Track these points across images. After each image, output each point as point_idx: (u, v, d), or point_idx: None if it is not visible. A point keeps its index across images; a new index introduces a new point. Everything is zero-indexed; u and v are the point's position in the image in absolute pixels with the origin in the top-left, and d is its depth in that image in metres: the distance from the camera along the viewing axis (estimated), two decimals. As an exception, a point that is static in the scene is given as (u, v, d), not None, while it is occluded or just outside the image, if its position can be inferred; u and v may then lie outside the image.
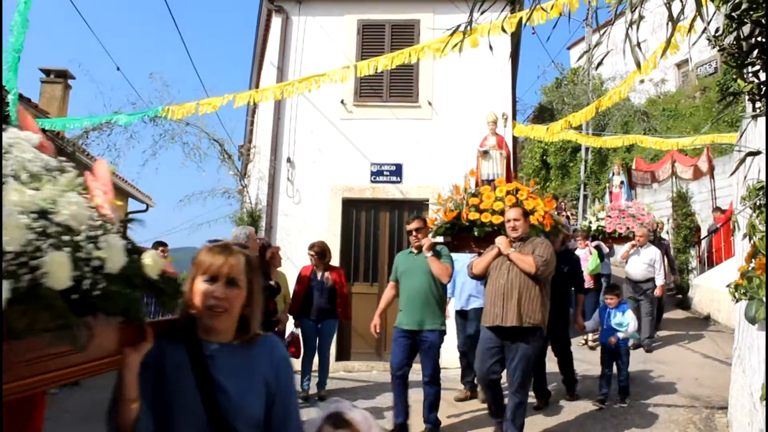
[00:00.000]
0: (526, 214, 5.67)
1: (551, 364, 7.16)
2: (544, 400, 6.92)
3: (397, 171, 10.26)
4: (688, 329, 11.05)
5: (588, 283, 9.43)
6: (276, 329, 7.33)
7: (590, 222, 11.25)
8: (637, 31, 2.51)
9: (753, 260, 2.39)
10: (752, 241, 2.36)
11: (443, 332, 5.87)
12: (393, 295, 6.17)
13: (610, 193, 12.21)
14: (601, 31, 2.63)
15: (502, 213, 6.16)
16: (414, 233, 5.99)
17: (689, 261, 13.88)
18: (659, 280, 9.63)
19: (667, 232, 14.34)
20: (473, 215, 6.40)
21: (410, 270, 5.96)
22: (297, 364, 8.14)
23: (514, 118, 10.89)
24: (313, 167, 10.47)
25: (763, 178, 2.51)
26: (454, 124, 10.28)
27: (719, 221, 13.89)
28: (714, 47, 2.35)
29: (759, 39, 2.11)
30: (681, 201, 14.13)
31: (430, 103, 10.46)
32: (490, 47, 3.32)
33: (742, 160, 2.34)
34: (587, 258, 9.86)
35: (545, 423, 6.36)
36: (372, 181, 10.25)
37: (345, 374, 9.09)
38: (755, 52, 2.16)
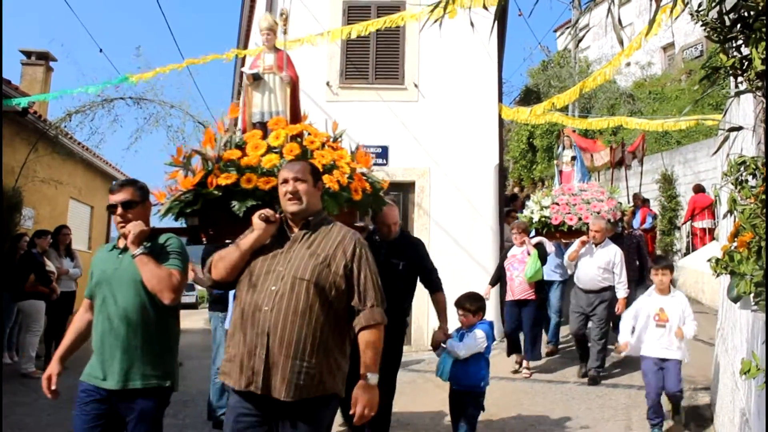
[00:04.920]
0: (317, 173, 3.18)
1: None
2: None
3: (383, 153, 10.21)
4: (673, 310, 11.11)
5: (524, 293, 7.45)
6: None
7: (532, 212, 8.63)
8: (619, 9, 2.49)
9: (735, 239, 2.38)
10: (734, 217, 2.35)
11: (167, 391, 3.29)
12: (87, 322, 3.40)
13: (560, 172, 9.62)
14: (585, 9, 2.61)
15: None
16: (118, 211, 3.32)
17: (674, 243, 13.98)
18: (621, 291, 7.15)
19: (654, 217, 14.38)
20: (227, 178, 3.89)
21: (110, 279, 3.29)
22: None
23: (500, 100, 10.86)
24: (298, 150, 10.41)
25: (746, 153, 2.51)
26: (440, 106, 10.23)
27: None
28: (696, 22, 2.34)
29: (742, 13, 2.09)
30: (666, 183, 14.19)
31: (416, 86, 10.39)
32: (471, 24, 3.28)
33: (726, 137, 2.34)
34: (524, 260, 7.45)
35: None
36: (358, 164, 10.17)
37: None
38: (738, 26, 2.14)
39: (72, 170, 13.31)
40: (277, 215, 3.03)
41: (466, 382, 4.61)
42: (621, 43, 2.44)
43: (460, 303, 4.80)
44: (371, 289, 2.95)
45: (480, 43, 9.47)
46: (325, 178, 3.77)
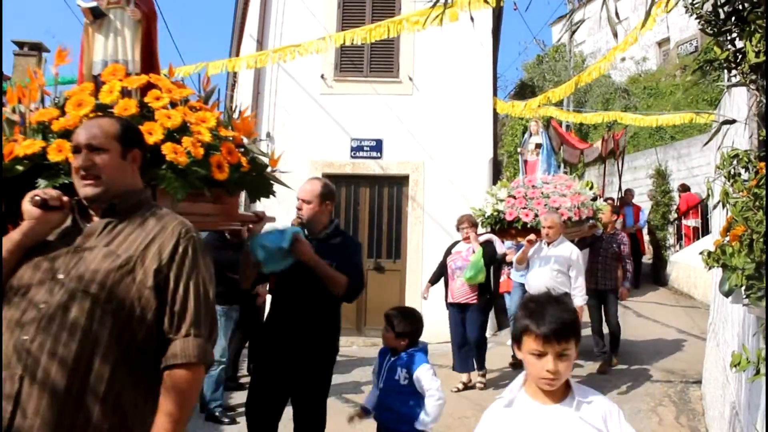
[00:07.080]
0: (131, 135, 2.10)
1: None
2: None
3: (378, 146, 10.20)
4: (665, 305, 11.18)
5: (465, 296, 6.58)
6: (256, 303, 7.32)
7: (486, 205, 7.38)
8: (615, 1, 2.49)
9: (728, 233, 2.39)
10: (725, 210, 2.36)
11: None
12: None
13: (525, 162, 8.55)
14: (581, 3, 2.61)
15: None
16: None
17: (667, 238, 14.02)
18: (578, 299, 6.13)
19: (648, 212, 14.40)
20: (29, 146, 2.72)
21: None
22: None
23: (495, 94, 10.86)
24: (292, 142, 10.37)
25: (739, 146, 2.52)
26: (435, 100, 10.22)
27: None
28: (691, 15, 2.34)
29: (736, 5, 2.10)
30: (660, 178, 14.21)
31: (410, 79, 10.37)
32: (471, 19, 3.27)
33: (718, 129, 2.34)
34: (468, 258, 6.54)
35: None
36: (352, 157, 10.18)
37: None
38: (732, 19, 2.15)
39: (65, 162, 13.26)
40: (65, 198, 1.99)
41: (398, 427, 3.43)
42: (615, 35, 2.43)
43: (396, 318, 3.59)
44: (192, 308, 1.89)
45: (475, 37, 9.48)
46: (167, 147, 2.75)
